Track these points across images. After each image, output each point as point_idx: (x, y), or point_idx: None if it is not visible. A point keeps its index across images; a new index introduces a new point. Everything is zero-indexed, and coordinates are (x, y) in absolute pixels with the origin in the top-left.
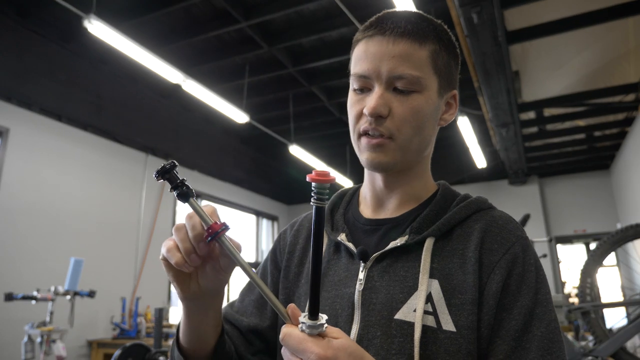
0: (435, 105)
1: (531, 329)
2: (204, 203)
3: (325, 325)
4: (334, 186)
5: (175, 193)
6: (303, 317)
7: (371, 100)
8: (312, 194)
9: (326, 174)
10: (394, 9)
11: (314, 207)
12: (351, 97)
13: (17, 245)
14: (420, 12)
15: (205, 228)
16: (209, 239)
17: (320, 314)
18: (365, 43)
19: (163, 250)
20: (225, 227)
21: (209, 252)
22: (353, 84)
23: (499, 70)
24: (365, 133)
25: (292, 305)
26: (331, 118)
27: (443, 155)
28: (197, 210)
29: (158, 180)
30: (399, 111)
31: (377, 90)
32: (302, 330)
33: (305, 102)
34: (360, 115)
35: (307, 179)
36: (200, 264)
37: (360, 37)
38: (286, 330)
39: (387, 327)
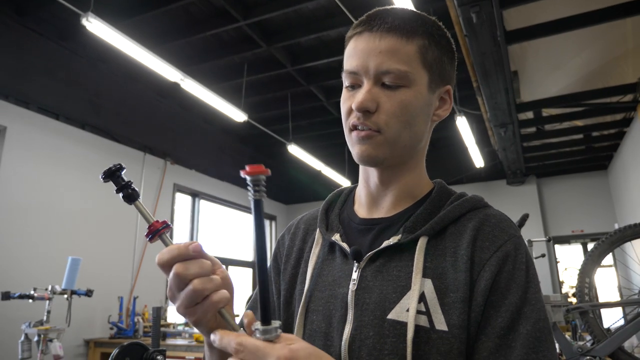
0: (425, 100)
1: (517, 327)
2: (202, 206)
3: (280, 330)
4: (332, 184)
5: (120, 195)
6: (256, 324)
7: (359, 96)
8: (248, 188)
9: (260, 167)
10: (385, 7)
11: (252, 200)
12: (343, 94)
13: (14, 244)
14: (413, 9)
15: (148, 226)
16: (150, 236)
17: (273, 320)
18: (355, 40)
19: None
20: (166, 225)
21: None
22: (345, 81)
23: (497, 70)
24: (355, 128)
25: (248, 312)
26: (329, 117)
27: (441, 155)
28: (142, 212)
29: (105, 182)
30: (387, 106)
31: (365, 86)
32: (257, 337)
33: (303, 101)
34: (350, 111)
35: (241, 174)
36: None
37: (351, 34)
38: (239, 339)
39: (380, 327)
